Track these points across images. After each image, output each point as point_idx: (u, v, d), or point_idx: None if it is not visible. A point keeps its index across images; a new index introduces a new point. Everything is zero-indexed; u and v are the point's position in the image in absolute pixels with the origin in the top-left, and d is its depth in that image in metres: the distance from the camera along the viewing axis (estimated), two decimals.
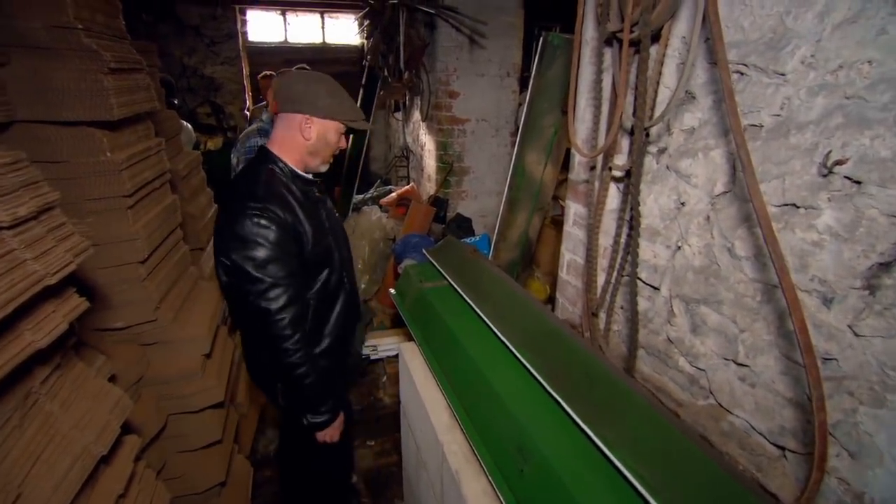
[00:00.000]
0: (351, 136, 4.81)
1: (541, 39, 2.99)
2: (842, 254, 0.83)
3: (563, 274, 1.69)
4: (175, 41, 6.00)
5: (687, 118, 1.12)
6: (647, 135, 1.20)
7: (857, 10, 0.77)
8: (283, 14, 6.53)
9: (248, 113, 6.22)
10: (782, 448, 0.97)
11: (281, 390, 1.60)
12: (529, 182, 3.30)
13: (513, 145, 3.79)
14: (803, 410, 0.93)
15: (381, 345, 3.23)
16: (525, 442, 1.00)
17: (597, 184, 1.37)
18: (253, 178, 1.46)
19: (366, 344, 3.21)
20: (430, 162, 4.64)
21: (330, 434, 1.62)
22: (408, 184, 5.29)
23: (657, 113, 1.16)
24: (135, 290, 1.73)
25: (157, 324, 1.81)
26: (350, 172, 5.02)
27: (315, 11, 6.60)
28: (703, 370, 1.14)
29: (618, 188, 1.37)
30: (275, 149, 1.50)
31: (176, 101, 4.68)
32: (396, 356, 2.38)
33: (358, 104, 4.55)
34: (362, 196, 5.24)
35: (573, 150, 1.49)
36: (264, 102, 3.77)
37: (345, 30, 6.68)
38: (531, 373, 1.09)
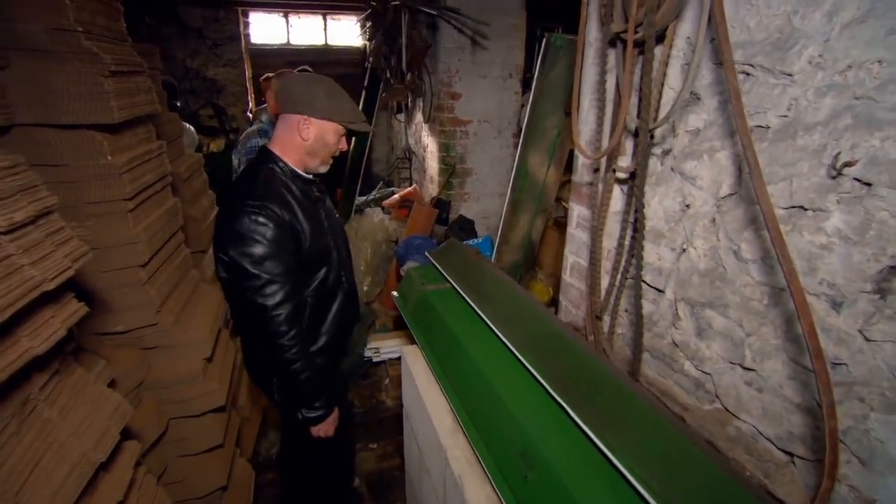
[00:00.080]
0: (353, 138, 4.81)
1: (543, 40, 2.99)
2: (851, 257, 0.81)
3: (567, 276, 1.68)
4: (178, 43, 6.00)
5: (692, 119, 1.11)
6: (652, 136, 1.19)
7: (867, 9, 0.76)
8: (286, 16, 6.53)
9: (250, 115, 6.22)
10: (790, 454, 0.96)
11: (277, 386, 1.62)
12: (532, 184, 3.29)
13: (515, 147, 3.78)
14: (812, 416, 0.91)
15: (384, 347, 3.22)
16: (529, 447, 0.98)
17: (600, 186, 1.36)
18: (253, 177, 1.49)
19: (368, 346, 3.20)
20: (432, 164, 4.62)
21: (325, 429, 1.63)
22: (410, 185, 5.28)
23: (662, 114, 1.15)
24: (136, 293, 1.73)
25: (157, 327, 1.81)
26: (352, 174, 5.03)
27: (317, 13, 6.60)
28: (709, 374, 1.13)
29: (622, 190, 1.36)
30: (275, 149, 1.52)
31: (178, 104, 4.68)
32: (399, 359, 2.38)
33: (360, 106, 4.58)
34: (365, 198, 5.24)
35: (577, 152, 1.48)
36: (266, 104, 3.77)
37: (347, 32, 6.67)
38: (534, 376, 1.08)
